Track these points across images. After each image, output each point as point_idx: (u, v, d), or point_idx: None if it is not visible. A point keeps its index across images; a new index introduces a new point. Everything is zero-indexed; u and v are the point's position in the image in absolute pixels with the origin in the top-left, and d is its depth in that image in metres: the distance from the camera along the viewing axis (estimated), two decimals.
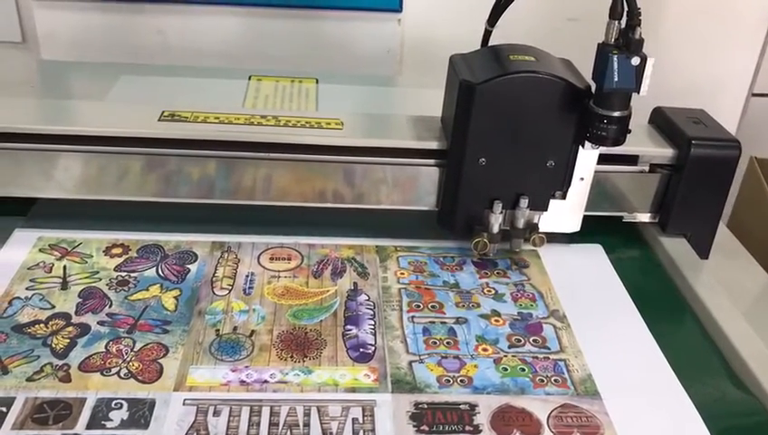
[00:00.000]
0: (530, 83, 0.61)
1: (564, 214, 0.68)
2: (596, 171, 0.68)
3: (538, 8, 1.11)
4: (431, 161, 0.67)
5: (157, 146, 0.66)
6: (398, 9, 1.11)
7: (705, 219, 0.70)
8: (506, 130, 0.63)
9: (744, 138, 1.35)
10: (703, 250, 0.71)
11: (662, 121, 0.73)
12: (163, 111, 0.68)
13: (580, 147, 0.64)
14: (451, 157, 0.66)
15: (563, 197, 0.67)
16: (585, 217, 0.70)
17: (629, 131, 0.61)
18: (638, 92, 0.58)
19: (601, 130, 0.60)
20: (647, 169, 0.70)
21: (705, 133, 0.69)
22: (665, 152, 0.70)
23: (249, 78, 0.92)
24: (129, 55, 1.10)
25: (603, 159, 0.68)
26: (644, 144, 0.70)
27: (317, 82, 0.92)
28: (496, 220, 0.66)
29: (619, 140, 0.61)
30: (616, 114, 0.60)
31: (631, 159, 0.70)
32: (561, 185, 0.66)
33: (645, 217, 0.73)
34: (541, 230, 0.67)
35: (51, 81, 0.94)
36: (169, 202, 0.67)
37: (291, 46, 1.11)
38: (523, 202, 0.66)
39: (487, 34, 0.70)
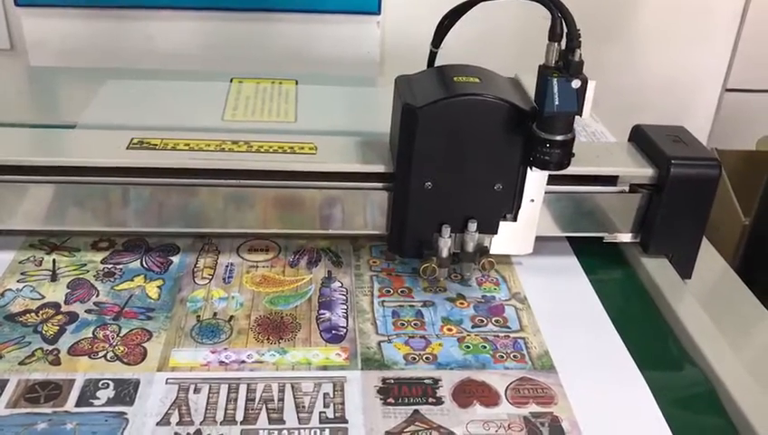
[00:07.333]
0: (473, 106, 0.60)
1: (516, 236, 0.67)
2: (575, 192, 0.68)
3: (523, 7, 1.15)
4: (379, 185, 0.67)
5: (125, 175, 0.65)
6: (377, 12, 1.15)
7: (686, 239, 0.69)
8: (451, 153, 0.62)
9: (718, 132, 1.39)
10: (685, 270, 0.70)
11: (642, 140, 0.72)
12: (132, 139, 0.67)
13: (529, 169, 0.63)
14: (397, 181, 0.65)
15: (514, 219, 0.66)
16: (565, 238, 0.71)
17: (573, 155, 0.60)
18: (581, 115, 0.57)
19: (544, 154, 0.59)
20: (627, 188, 0.69)
21: (685, 152, 0.68)
22: (645, 172, 0.68)
23: (231, 80, 0.96)
24: (116, 61, 1.14)
25: (582, 179, 0.68)
26: (624, 164, 0.69)
27: (296, 83, 0.96)
28: (445, 244, 0.64)
29: (562, 164, 0.60)
30: (558, 138, 0.58)
31: (611, 179, 0.69)
32: (510, 208, 0.65)
33: (626, 238, 0.72)
34: (492, 253, 0.66)
35: (39, 87, 0.98)
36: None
37: (271, 49, 1.15)
38: (472, 226, 0.64)
39: (432, 55, 0.69)
